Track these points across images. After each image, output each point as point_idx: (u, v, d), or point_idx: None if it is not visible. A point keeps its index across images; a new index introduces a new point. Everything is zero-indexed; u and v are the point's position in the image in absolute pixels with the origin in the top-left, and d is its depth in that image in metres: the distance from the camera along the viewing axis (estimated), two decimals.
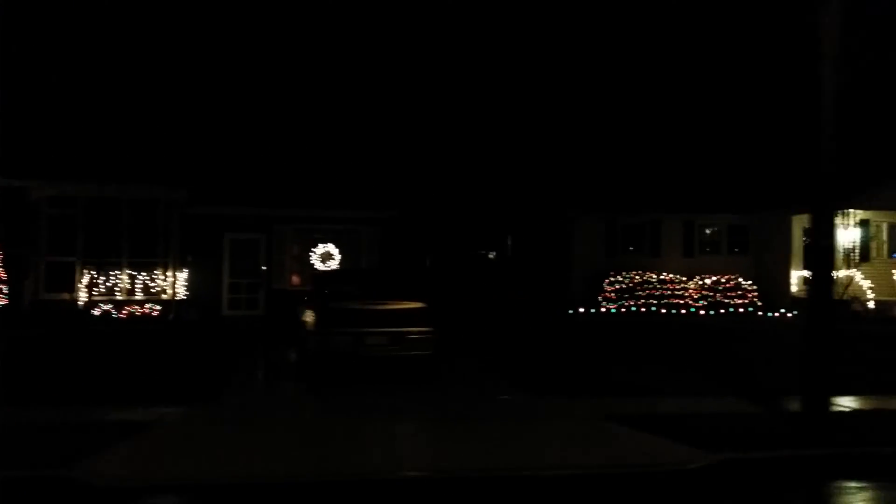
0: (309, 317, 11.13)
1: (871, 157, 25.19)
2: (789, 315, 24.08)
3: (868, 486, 7.14)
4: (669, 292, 24.91)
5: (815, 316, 8.38)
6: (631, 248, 26.73)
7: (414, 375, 11.02)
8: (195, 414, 8.93)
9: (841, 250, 23.64)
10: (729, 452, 7.44)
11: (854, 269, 22.83)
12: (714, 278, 25.41)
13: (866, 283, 22.46)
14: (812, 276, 8.53)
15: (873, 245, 25.70)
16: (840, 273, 23.30)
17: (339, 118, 24.09)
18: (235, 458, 7.03)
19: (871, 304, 22.22)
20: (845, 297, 22.68)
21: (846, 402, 9.90)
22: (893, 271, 23.08)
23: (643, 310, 24.48)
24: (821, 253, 8.44)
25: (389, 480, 6.68)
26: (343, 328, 10.60)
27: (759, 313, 24.56)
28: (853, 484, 7.17)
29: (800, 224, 25.40)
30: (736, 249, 27.29)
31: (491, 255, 24.52)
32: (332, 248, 22.04)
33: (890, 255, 25.52)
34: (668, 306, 24.71)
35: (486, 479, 6.84)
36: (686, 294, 25.04)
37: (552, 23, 25.60)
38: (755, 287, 25.53)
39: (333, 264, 22.00)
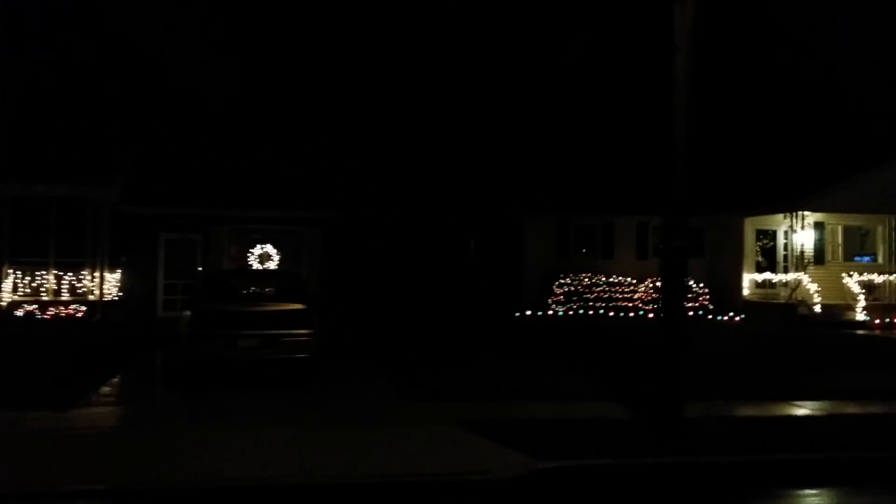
0: (184, 318, 10.84)
1: (822, 160, 24.97)
2: (737, 319, 23.82)
3: (690, 496, 6.86)
4: (618, 295, 24.64)
5: (667, 320, 8.10)
6: (584, 250, 26.44)
7: (291, 380, 10.71)
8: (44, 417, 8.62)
9: (796, 252, 23.51)
10: (560, 460, 7.15)
11: (802, 273, 22.54)
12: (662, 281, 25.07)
13: (813, 287, 22.15)
14: (662, 278, 8.25)
15: (828, 248, 25.44)
16: (788, 276, 23.10)
17: (279, 116, 23.80)
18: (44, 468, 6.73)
19: (817, 308, 21.90)
20: (792, 300, 22.43)
21: (720, 409, 9.62)
22: (844, 275, 22.75)
23: (591, 313, 24.21)
24: (673, 254, 8.15)
25: (205, 489, 6.42)
26: (215, 330, 10.29)
27: (709, 317, 24.28)
28: (677, 494, 6.89)
29: (752, 226, 25.18)
30: (692, 252, 26.95)
31: (439, 257, 24.14)
32: (270, 248, 21.74)
33: (851, 257, 25.27)
34: (617, 309, 24.44)
35: (306, 487, 6.57)
36: (635, 297, 24.77)
37: (504, 23, 25.35)
38: (706, 290, 25.26)
39: (272, 265, 21.71)
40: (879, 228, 25.46)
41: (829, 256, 25.25)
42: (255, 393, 10.17)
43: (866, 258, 25.44)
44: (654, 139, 29.04)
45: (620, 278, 24.99)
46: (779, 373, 12.87)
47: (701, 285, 25.23)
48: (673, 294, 8.09)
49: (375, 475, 6.79)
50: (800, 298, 22.20)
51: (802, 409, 9.71)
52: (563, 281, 24.68)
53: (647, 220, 26.48)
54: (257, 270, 20.10)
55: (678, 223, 8.17)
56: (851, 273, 22.72)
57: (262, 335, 10.37)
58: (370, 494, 6.56)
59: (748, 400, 10.33)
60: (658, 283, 24.71)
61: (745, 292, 24.73)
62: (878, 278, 22.93)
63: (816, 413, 9.58)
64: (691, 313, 24.39)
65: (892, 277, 23.11)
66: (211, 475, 6.68)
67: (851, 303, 22.28)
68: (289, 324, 10.49)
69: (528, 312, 24.00)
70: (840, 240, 25.37)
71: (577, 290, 24.50)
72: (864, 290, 22.25)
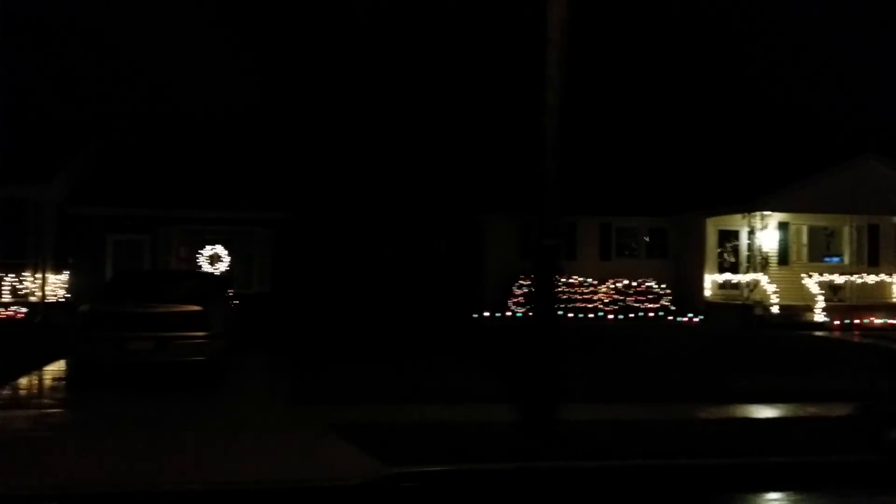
0: (76, 320, 10.57)
1: (784, 160, 24.71)
2: (696, 319, 23.55)
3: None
4: (577, 296, 24.36)
5: (538, 320, 7.83)
6: None
7: (189, 383, 10.44)
8: None
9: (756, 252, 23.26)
10: (410, 466, 6.89)
11: (760, 273, 22.25)
12: (625, 282, 24.85)
13: (771, 288, 21.86)
14: (535, 277, 7.99)
15: (793, 248, 25.17)
16: (746, 277, 22.82)
17: (230, 116, 23.55)
18: None
19: (774, 309, 21.61)
20: (749, 301, 22.15)
21: (613, 412, 9.35)
22: (804, 275, 22.46)
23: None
24: (544, 252, 7.90)
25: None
26: (104, 332, 10.03)
27: (669, 318, 23.99)
28: (526, 501, 6.62)
29: (715, 227, 24.88)
30: (656, 252, 26.73)
31: (396, 258, 23.87)
32: (220, 249, 21.49)
33: (818, 258, 25.00)
34: (576, 310, 24.17)
35: (154, 495, 6.33)
36: (595, 298, 24.48)
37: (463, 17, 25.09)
38: (668, 291, 24.96)
39: (223, 266, 21.47)
40: (846, 229, 25.16)
41: (793, 257, 24.99)
42: (147, 397, 9.89)
43: (835, 259, 25.19)
44: (614, 138, 28.83)
45: (580, 279, 24.71)
46: (702, 375, 12.59)
47: (663, 286, 24.94)
48: (544, 294, 7.84)
49: (213, 483, 6.54)
50: (757, 299, 21.92)
51: (701, 413, 9.44)
52: (522, 282, 24.40)
53: (611, 221, 26.24)
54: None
55: (550, 222, 7.91)
56: (811, 274, 22.41)
57: (154, 337, 10.10)
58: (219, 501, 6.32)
59: (649, 402, 10.06)
60: (617, 284, 24.61)
61: (707, 293, 24.44)
62: (838, 279, 22.62)
63: (710, 417, 9.30)
64: (651, 314, 24.21)
65: (853, 278, 22.80)
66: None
67: (811, 304, 21.98)
68: (183, 326, 10.22)
69: (487, 314, 23.71)
70: (805, 240, 25.13)
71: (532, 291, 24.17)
72: (823, 291, 21.94)
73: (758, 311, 21.74)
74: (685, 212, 25.31)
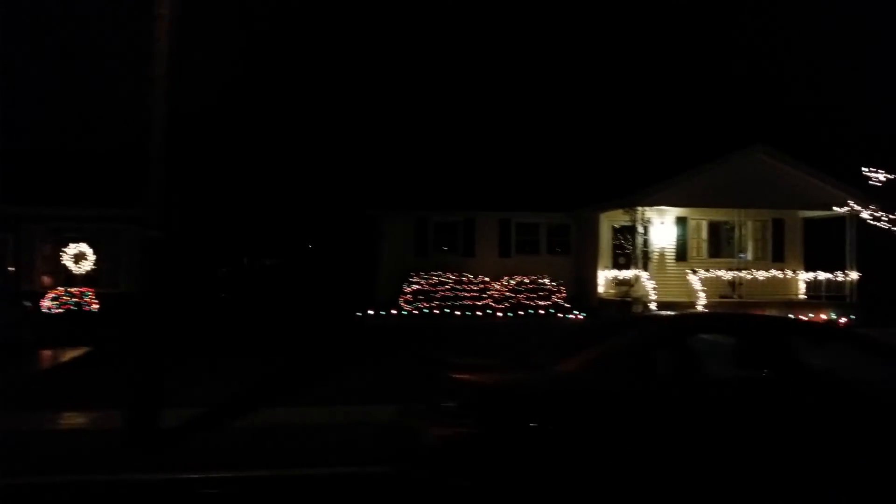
0: None
1: (675, 155, 24.06)
2: (580, 316, 22.92)
3: None
4: (466, 294, 23.76)
5: (144, 319, 7.30)
6: (444, 248, 25.60)
7: None
8: None
9: (652, 248, 22.65)
10: None
11: (641, 269, 21.61)
12: (518, 279, 24.26)
13: (650, 284, 21.21)
14: (140, 272, 7.45)
15: (692, 243, 24.52)
16: (629, 273, 22.21)
17: (95, 109, 23.10)
18: None
19: (653, 306, 20.96)
20: (629, 297, 21.52)
21: (261, 419, 8.69)
22: (688, 271, 21.79)
23: (437, 312, 23.34)
24: (149, 246, 7.36)
25: None
26: None
27: (560, 315, 23.34)
28: None
29: (610, 222, 24.23)
30: (558, 249, 26.13)
31: (281, 255, 23.40)
32: (85, 247, 21.04)
33: (720, 254, 24.34)
34: (465, 308, 23.55)
35: None
36: (485, 295, 23.88)
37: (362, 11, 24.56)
38: (562, 288, 24.32)
39: (88, 265, 21.04)
40: (749, 224, 24.54)
41: (692, 253, 24.35)
42: None
43: (742, 255, 24.58)
44: (513, 133, 28.21)
45: (469, 276, 24.12)
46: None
47: (556, 283, 24.29)
48: (149, 290, 7.29)
49: None
50: (637, 296, 21.29)
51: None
52: (412, 280, 23.86)
53: (510, 217, 25.66)
54: None
55: (157, 210, 7.37)
56: (696, 270, 21.75)
57: None
58: None
59: (336, 404, 9.45)
60: (511, 282, 24.02)
61: (601, 290, 23.83)
62: (739, 274, 21.96)
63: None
64: (542, 312, 23.58)
65: (754, 273, 22.06)
66: None
67: (694, 300, 21.31)
68: None
69: (372, 312, 23.09)
70: (705, 235, 24.45)
71: (425, 289, 23.66)
72: (705, 288, 21.25)
73: (636, 309, 21.09)
74: (582, 207, 24.69)
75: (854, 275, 22.20)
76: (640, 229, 22.18)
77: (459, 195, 25.46)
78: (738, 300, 22.62)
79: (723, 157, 21.74)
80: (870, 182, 17.96)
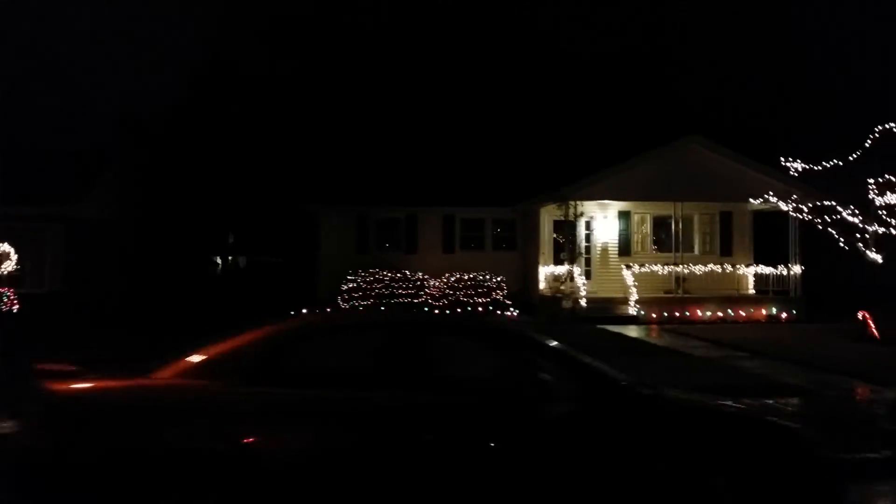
0: None
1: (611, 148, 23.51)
2: (515, 313, 22.42)
3: None
4: (402, 291, 23.34)
5: None
6: (387, 245, 25.20)
7: None
8: None
9: (596, 242, 22.09)
10: None
11: (573, 265, 21.08)
12: (458, 275, 23.80)
13: (580, 280, 20.68)
14: None
15: (636, 238, 23.99)
16: (560, 269, 21.71)
17: (15, 101, 22.86)
18: None
19: (583, 302, 20.42)
20: (560, 293, 21.00)
21: None
22: (623, 267, 21.24)
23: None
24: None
25: None
26: None
27: (498, 312, 22.84)
28: None
29: (551, 216, 23.70)
30: (504, 245, 25.66)
31: (210, 254, 23.09)
32: (7, 247, 20.78)
33: (668, 248, 23.74)
34: (408, 306, 23.14)
35: None
36: (422, 293, 23.45)
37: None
38: (503, 284, 23.81)
39: (10, 265, 20.80)
40: (697, 217, 23.96)
41: (636, 248, 23.84)
42: None
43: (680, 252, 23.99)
44: (455, 127, 27.69)
45: (408, 273, 23.69)
46: None
47: (499, 279, 23.80)
48: None
49: None
50: (568, 292, 20.78)
51: None
52: (349, 277, 23.48)
53: (454, 213, 25.23)
54: None
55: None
56: (630, 265, 21.21)
57: None
58: None
59: None
60: (450, 278, 23.55)
61: (542, 286, 23.31)
62: (662, 269, 21.38)
63: None
64: (480, 309, 23.10)
65: (682, 268, 21.50)
66: None
67: (627, 296, 20.77)
68: None
69: (305, 311, 22.75)
70: (649, 230, 23.90)
71: (361, 286, 23.28)
72: (636, 283, 20.68)
73: (566, 305, 20.59)
74: (524, 201, 24.19)
75: (797, 269, 21.52)
76: (581, 225, 21.74)
77: (401, 190, 25.06)
78: (683, 295, 22.06)
79: (655, 150, 21.16)
80: (790, 173, 17.25)
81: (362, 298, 23.15)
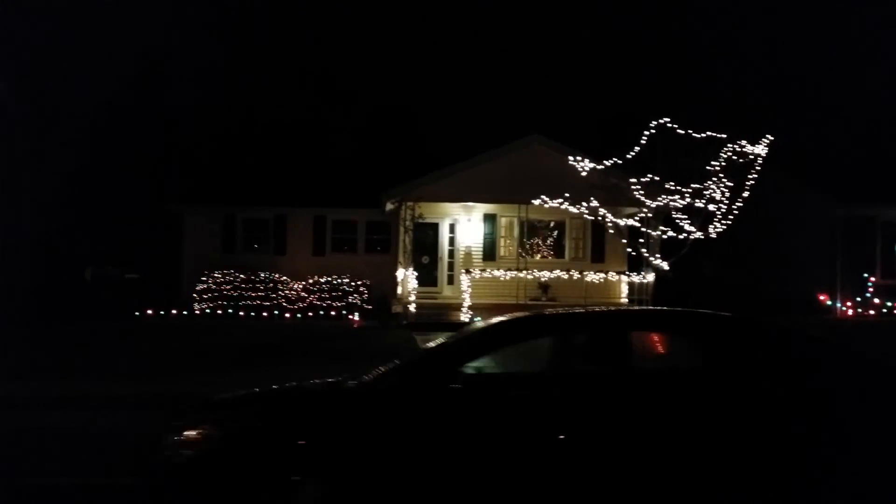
0: None
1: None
2: (357, 318, 21.64)
3: None
4: (252, 294, 22.74)
5: None
6: (256, 246, 24.63)
7: None
8: None
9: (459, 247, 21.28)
10: None
11: (409, 269, 20.28)
12: (315, 278, 23.14)
13: (411, 284, 19.88)
14: None
15: (502, 242, 23.11)
16: (400, 272, 20.98)
17: None
18: None
19: (412, 307, 19.60)
20: (398, 298, 20.24)
21: None
22: (463, 272, 20.36)
23: (220, 312, 22.41)
24: None
25: None
26: None
27: (351, 316, 22.08)
28: None
29: (409, 218, 22.85)
30: (378, 248, 24.88)
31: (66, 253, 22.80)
32: None
33: (541, 253, 22.89)
34: (252, 308, 22.54)
35: None
36: (275, 295, 22.82)
37: None
38: (363, 288, 23.06)
39: None
40: (568, 221, 22.95)
41: (502, 252, 22.96)
42: None
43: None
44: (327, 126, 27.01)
45: (262, 275, 23.04)
46: None
47: (358, 283, 23.05)
48: None
49: None
50: (405, 296, 20.01)
51: None
52: (202, 278, 22.95)
53: (325, 213, 24.56)
54: None
55: None
56: (470, 270, 20.30)
57: None
58: None
59: None
60: (309, 281, 22.87)
61: (405, 289, 22.50)
62: (507, 275, 20.42)
63: None
64: (333, 313, 22.41)
65: (522, 274, 20.50)
66: None
67: (462, 301, 19.87)
68: None
69: (163, 312, 22.20)
70: (516, 234, 22.95)
71: (211, 287, 22.76)
72: (469, 288, 19.75)
73: (397, 309, 19.81)
74: (388, 202, 23.41)
75: (651, 276, 20.38)
76: (445, 227, 21.05)
77: (271, 190, 24.51)
78: (546, 302, 21.17)
79: (496, 150, 20.26)
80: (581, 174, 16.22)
81: (217, 299, 22.64)
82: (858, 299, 22.90)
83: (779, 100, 29.45)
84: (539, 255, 22.89)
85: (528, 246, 22.58)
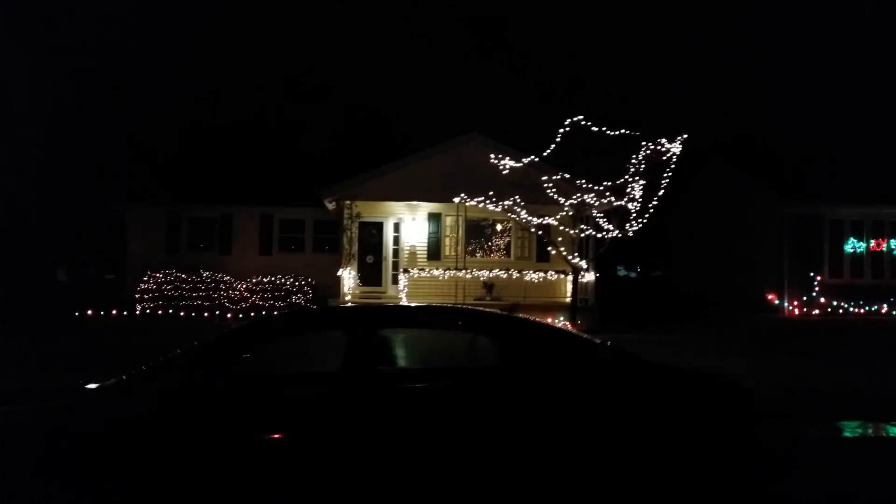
0: None
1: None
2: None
3: None
4: (194, 294, 22.49)
5: None
6: (201, 246, 24.36)
7: None
8: None
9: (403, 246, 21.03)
10: None
11: (349, 268, 20.08)
12: (258, 279, 22.91)
13: (349, 283, 19.69)
14: None
15: (447, 242, 22.86)
16: (340, 272, 20.75)
17: None
18: None
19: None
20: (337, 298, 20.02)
21: None
22: (402, 271, 20.20)
23: (161, 312, 22.15)
24: None
25: None
26: None
27: None
28: None
29: (351, 217, 22.63)
30: (326, 247, 24.65)
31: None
32: None
33: (485, 253, 22.68)
34: (192, 309, 22.28)
35: None
36: (216, 295, 22.57)
37: None
38: (307, 288, 22.86)
39: None
40: (513, 221, 22.71)
41: (447, 252, 22.71)
42: None
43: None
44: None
45: (205, 275, 22.81)
46: None
47: (302, 282, 22.85)
48: None
49: None
50: (342, 296, 19.80)
51: None
52: (143, 279, 22.69)
53: (273, 213, 24.34)
54: None
55: None
56: (409, 270, 20.13)
57: None
58: None
59: None
60: (252, 281, 22.62)
61: (345, 289, 22.28)
62: (446, 274, 20.24)
63: None
64: (253, 312, 22.17)
65: (460, 274, 20.34)
66: None
67: (400, 301, 19.68)
68: None
69: (103, 313, 21.92)
70: (461, 234, 22.71)
71: (151, 287, 22.49)
72: (406, 287, 19.58)
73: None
74: (326, 200, 23.19)
75: (590, 276, 20.24)
76: (390, 226, 20.83)
77: (218, 189, 24.24)
78: (490, 302, 20.93)
79: (433, 148, 20.06)
80: (503, 171, 16.04)
81: (159, 300, 22.38)
82: (805, 298, 22.85)
83: (726, 96, 29.35)
84: (488, 255, 22.69)
85: (471, 245, 22.39)
